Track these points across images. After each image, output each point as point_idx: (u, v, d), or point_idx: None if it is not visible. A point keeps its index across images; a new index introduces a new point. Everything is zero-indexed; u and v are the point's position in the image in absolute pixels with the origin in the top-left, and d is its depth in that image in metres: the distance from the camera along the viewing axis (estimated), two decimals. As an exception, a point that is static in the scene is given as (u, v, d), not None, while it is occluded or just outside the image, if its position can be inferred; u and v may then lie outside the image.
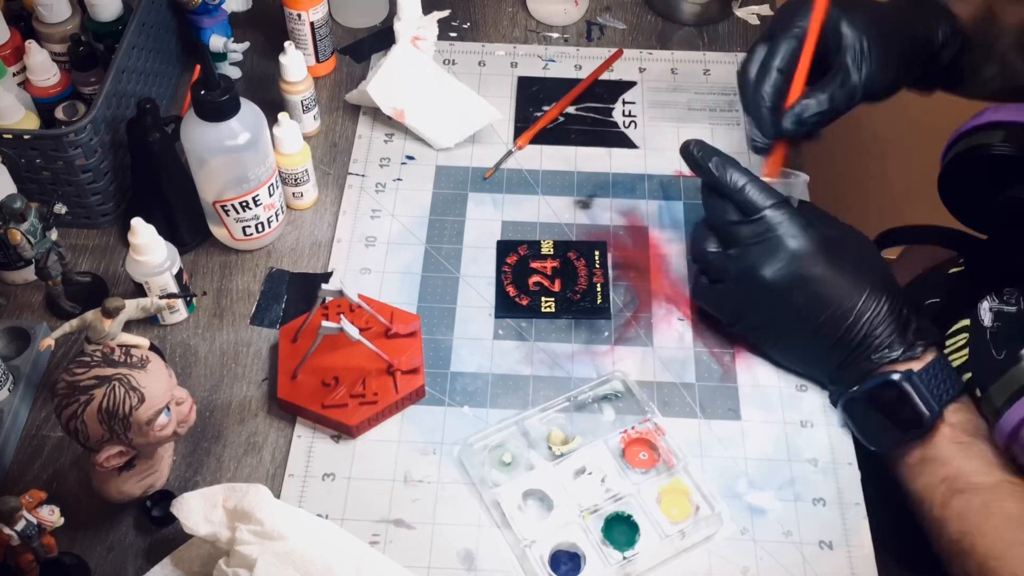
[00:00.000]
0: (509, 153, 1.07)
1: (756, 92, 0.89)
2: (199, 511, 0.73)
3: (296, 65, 1.01)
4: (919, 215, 1.17)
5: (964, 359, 0.86)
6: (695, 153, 0.89)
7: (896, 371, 0.81)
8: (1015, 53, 0.93)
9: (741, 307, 0.88)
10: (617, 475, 0.83)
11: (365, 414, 0.85)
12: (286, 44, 1.00)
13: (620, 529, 0.80)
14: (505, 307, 0.94)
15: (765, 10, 1.23)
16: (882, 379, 0.82)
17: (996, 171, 0.83)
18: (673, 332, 0.93)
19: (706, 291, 0.91)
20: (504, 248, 0.98)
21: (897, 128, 1.64)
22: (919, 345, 0.83)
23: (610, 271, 0.97)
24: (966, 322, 0.88)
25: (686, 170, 1.05)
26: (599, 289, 0.95)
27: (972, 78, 0.96)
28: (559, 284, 0.95)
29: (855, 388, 0.83)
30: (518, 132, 1.09)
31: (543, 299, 0.94)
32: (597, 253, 0.98)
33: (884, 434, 0.83)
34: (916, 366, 0.82)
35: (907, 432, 0.81)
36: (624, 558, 0.78)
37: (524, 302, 0.94)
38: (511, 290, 0.95)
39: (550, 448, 0.85)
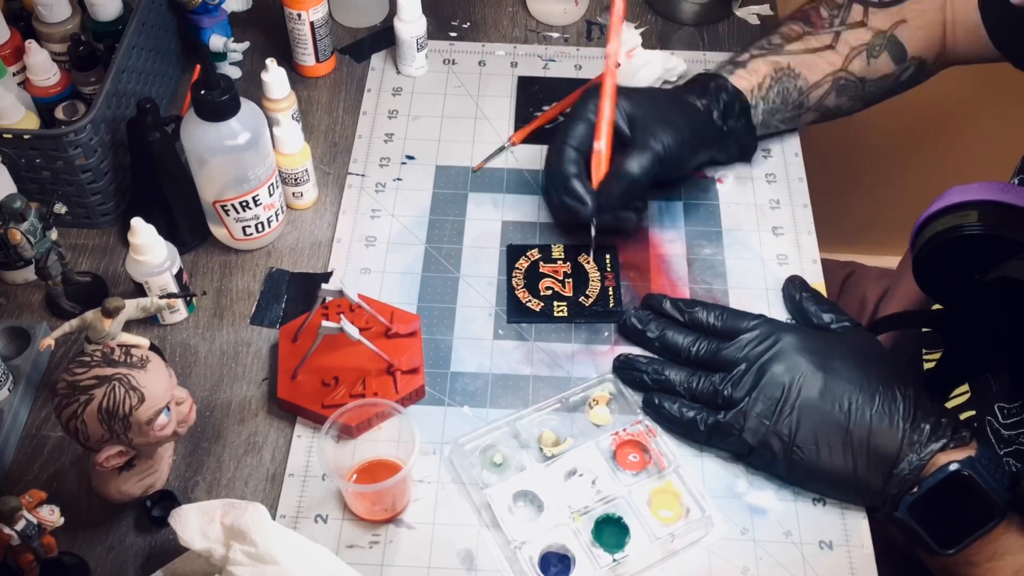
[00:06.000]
0: (502, 148, 1.07)
1: (561, 168, 0.94)
2: (196, 525, 0.73)
3: (279, 82, 0.99)
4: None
5: (966, 398, 0.85)
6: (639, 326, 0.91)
7: (955, 460, 0.77)
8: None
9: (760, 426, 0.81)
10: (608, 477, 0.83)
11: (365, 414, 0.85)
12: (268, 61, 0.99)
13: (610, 531, 0.80)
14: (517, 312, 0.94)
15: (765, 10, 1.23)
16: (945, 472, 0.76)
17: (971, 253, 0.81)
18: (673, 332, 0.93)
19: (714, 427, 0.83)
20: (514, 252, 0.98)
21: (893, 141, 1.65)
22: (962, 432, 0.79)
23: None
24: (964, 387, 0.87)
25: (686, 170, 1.06)
26: (611, 293, 0.95)
27: (790, 127, 1.06)
28: (571, 288, 0.95)
29: (914, 489, 0.77)
30: (517, 131, 1.09)
31: (555, 303, 0.94)
32: (608, 256, 0.98)
33: (957, 531, 0.77)
34: (968, 453, 0.78)
35: (985, 524, 0.76)
36: (614, 560, 0.78)
37: (536, 307, 0.94)
38: (523, 295, 0.95)
39: (541, 449, 0.85)
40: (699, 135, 0.97)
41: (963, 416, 0.88)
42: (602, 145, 0.93)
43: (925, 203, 0.91)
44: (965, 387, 0.89)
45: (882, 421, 0.79)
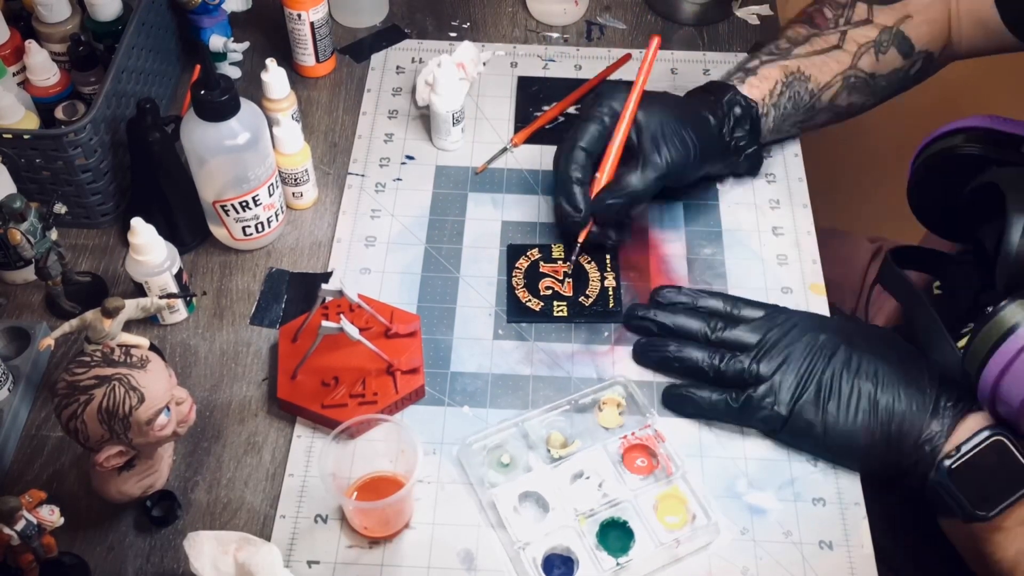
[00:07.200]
0: (504, 150, 1.07)
1: (566, 170, 0.93)
2: (209, 554, 0.72)
3: (279, 82, 0.99)
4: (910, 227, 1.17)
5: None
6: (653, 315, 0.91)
7: (987, 427, 0.79)
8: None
9: (793, 398, 0.83)
10: (615, 480, 0.83)
11: (365, 414, 0.85)
12: (268, 61, 0.99)
13: (615, 535, 0.80)
14: (517, 312, 0.94)
15: (765, 10, 1.24)
16: (982, 436, 0.78)
17: (961, 171, 0.87)
18: (673, 332, 0.93)
19: (746, 403, 0.84)
20: (514, 252, 0.98)
21: (895, 139, 1.64)
22: (975, 402, 0.81)
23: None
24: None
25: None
26: (611, 293, 0.95)
27: (802, 130, 1.05)
28: (571, 288, 0.95)
29: (951, 452, 0.79)
30: (518, 132, 1.09)
31: (555, 303, 0.94)
32: (608, 256, 0.98)
33: (995, 494, 0.78)
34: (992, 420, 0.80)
35: (1021, 488, 0.77)
36: (617, 564, 0.78)
37: (536, 307, 0.94)
38: (523, 294, 0.95)
39: (549, 451, 0.85)
40: (707, 151, 0.96)
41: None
42: (609, 161, 0.94)
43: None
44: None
45: (909, 387, 0.82)
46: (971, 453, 0.78)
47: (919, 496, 0.81)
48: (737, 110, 0.98)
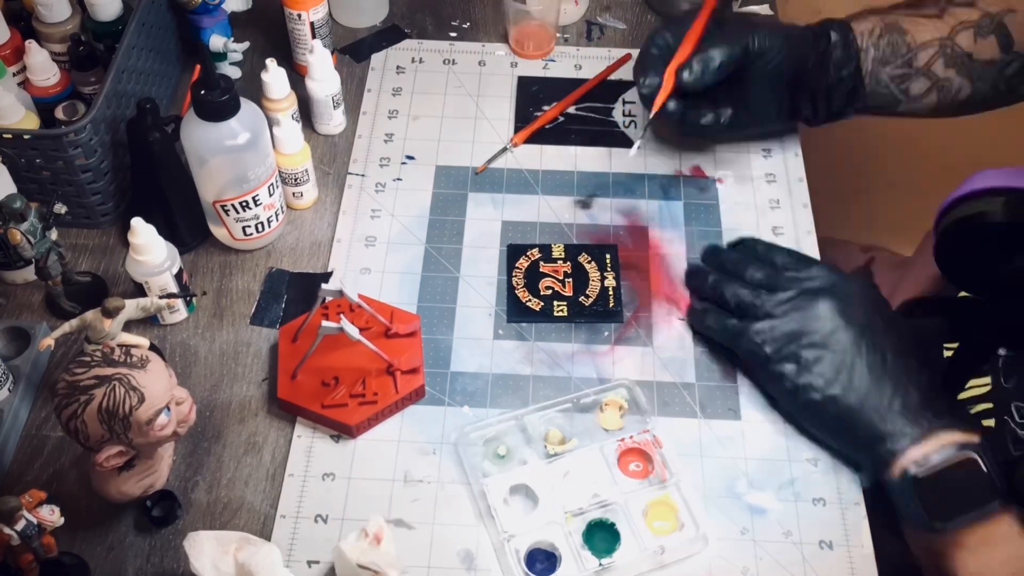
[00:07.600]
0: (504, 150, 1.07)
1: (646, 46, 0.97)
2: (210, 554, 0.72)
3: (279, 82, 0.99)
4: (915, 237, 1.16)
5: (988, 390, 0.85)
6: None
7: (964, 443, 0.77)
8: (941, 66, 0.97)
9: (782, 344, 0.84)
10: (607, 482, 0.83)
11: (365, 414, 0.85)
12: (268, 61, 0.99)
13: (601, 536, 0.80)
14: (517, 311, 0.94)
15: (765, 10, 1.23)
16: (955, 451, 0.76)
17: (995, 241, 0.81)
18: (673, 332, 0.93)
19: (742, 331, 0.86)
20: (514, 252, 0.98)
21: (891, 144, 1.64)
22: (966, 420, 0.79)
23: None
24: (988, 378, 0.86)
25: (686, 170, 1.06)
26: (611, 293, 0.95)
27: (903, 97, 0.99)
28: (571, 287, 0.95)
29: (923, 462, 0.77)
30: (518, 132, 1.09)
31: (555, 303, 0.94)
32: (608, 256, 0.98)
33: (956, 509, 0.77)
34: (973, 438, 0.78)
35: (984, 506, 0.76)
36: (600, 565, 0.78)
37: (536, 307, 0.94)
38: (523, 294, 0.95)
39: (546, 447, 0.85)
40: (799, 59, 0.93)
41: (979, 407, 0.88)
42: (692, 35, 0.93)
43: (932, 199, 0.91)
44: (987, 379, 0.87)
45: (899, 384, 0.80)
46: (940, 466, 0.77)
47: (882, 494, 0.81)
48: (834, 35, 0.94)
